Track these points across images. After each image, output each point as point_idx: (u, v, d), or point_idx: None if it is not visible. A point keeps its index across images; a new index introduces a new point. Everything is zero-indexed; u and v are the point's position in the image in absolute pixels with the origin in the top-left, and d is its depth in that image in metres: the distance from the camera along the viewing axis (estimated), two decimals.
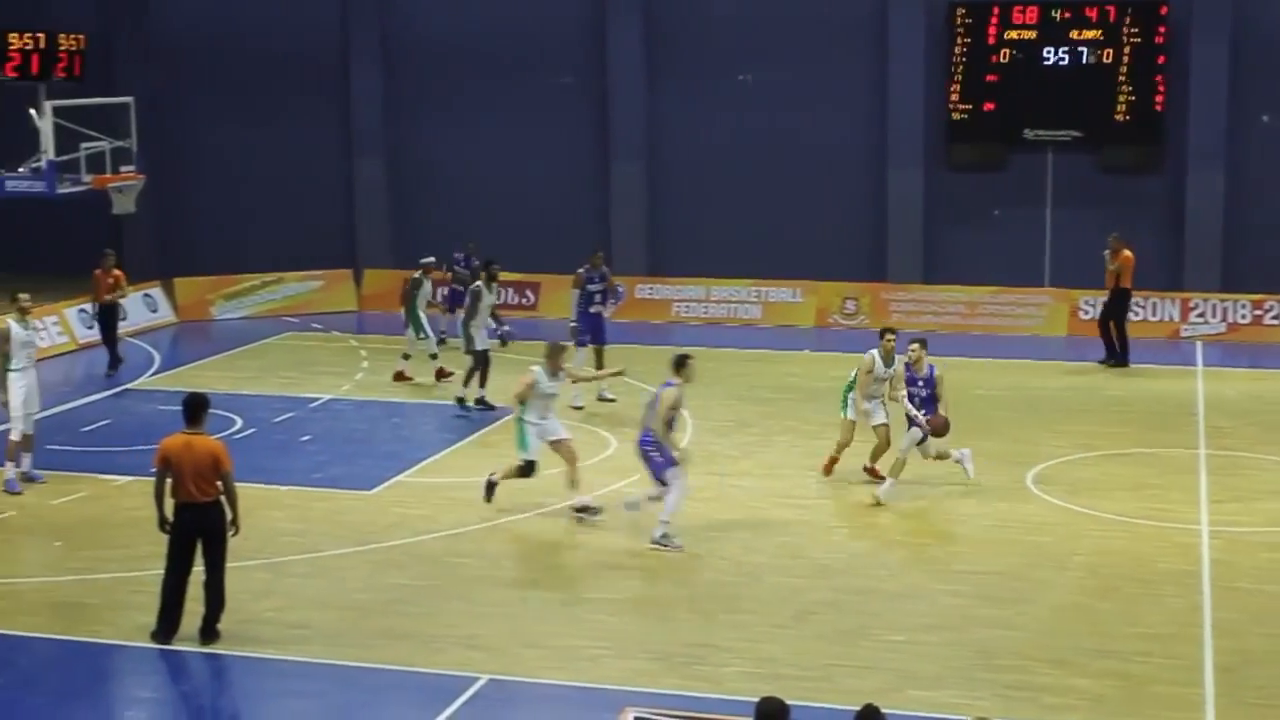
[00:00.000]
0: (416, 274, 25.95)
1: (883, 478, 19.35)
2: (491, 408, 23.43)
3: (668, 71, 33.20)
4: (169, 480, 14.34)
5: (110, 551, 17.15)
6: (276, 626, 15.00)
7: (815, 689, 13.29)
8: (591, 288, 24.36)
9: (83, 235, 30.79)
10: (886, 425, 19.68)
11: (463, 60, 34.22)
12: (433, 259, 26.58)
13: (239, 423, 22.68)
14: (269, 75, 35.21)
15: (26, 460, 19.90)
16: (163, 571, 14.57)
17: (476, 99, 34.20)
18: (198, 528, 14.37)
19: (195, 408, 14.59)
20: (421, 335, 25.48)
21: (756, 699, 9.45)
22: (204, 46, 35.59)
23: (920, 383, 19.21)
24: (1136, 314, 28.91)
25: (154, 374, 26.98)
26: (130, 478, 19.90)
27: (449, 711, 13.12)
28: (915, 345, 19.43)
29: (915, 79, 31.66)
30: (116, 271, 26.76)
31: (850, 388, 19.75)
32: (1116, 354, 27.10)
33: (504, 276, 26.84)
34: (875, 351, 19.52)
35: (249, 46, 35.32)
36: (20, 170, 24.37)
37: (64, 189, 24.39)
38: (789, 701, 9.37)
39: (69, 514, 18.72)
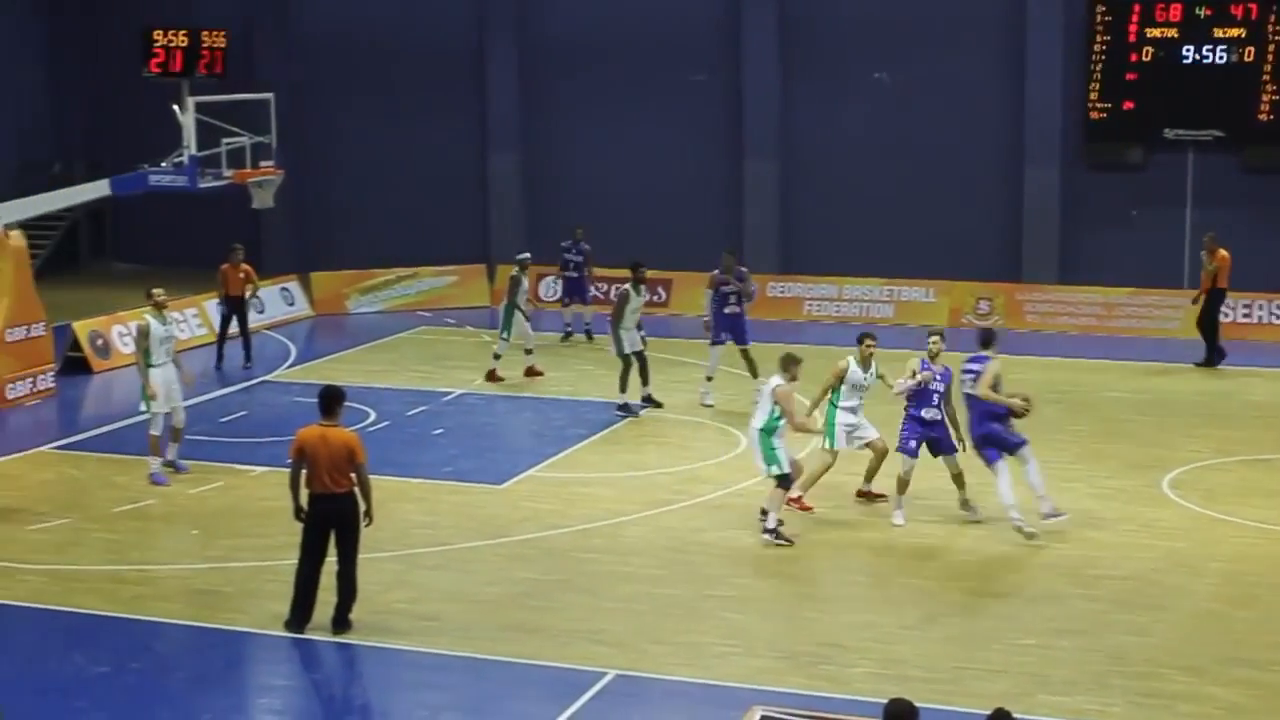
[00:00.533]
0: (515, 271, 25.89)
1: (879, 496, 18.55)
2: (659, 405, 23.41)
3: (802, 69, 33.09)
4: (304, 471, 14.54)
5: (246, 541, 17.42)
6: (407, 618, 15.16)
7: (944, 692, 13.19)
8: (725, 289, 23.95)
9: (222, 229, 31.20)
10: (880, 437, 18.53)
11: (597, 56, 34.35)
12: (528, 255, 26.65)
13: (372, 416, 22.93)
14: (406, 71, 35.58)
15: (173, 450, 20.25)
16: (296, 561, 14.79)
17: (610, 95, 34.33)
18: (331, 518, 14.54)
19: (331, 400, 14.77)
20: (504, 336, 25.49)
21: (884, 700, 9.40)
22: (342, 43, 36.06)
23: (937, 378, 18.01)
24: None
25: (290, 367, 27.34)
26: (266, 468, 20.19)
27: (576, 706, 13.18)
28: (935, 337, 18.30)
29: (1053, 77, 31.28)
30: (246, 266, 27.16)
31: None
32: (1214, 355, 26.66)
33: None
34: (851, 357, 18.39)
35: (387, 43, 35.71)
36: (163, 165, 24.79)
37: (205, 184, 24.81)
38: (917, 704, 9.31)
39: (206, 503, 19.03)
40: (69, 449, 21.89)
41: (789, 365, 17.53)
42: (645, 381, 23.49)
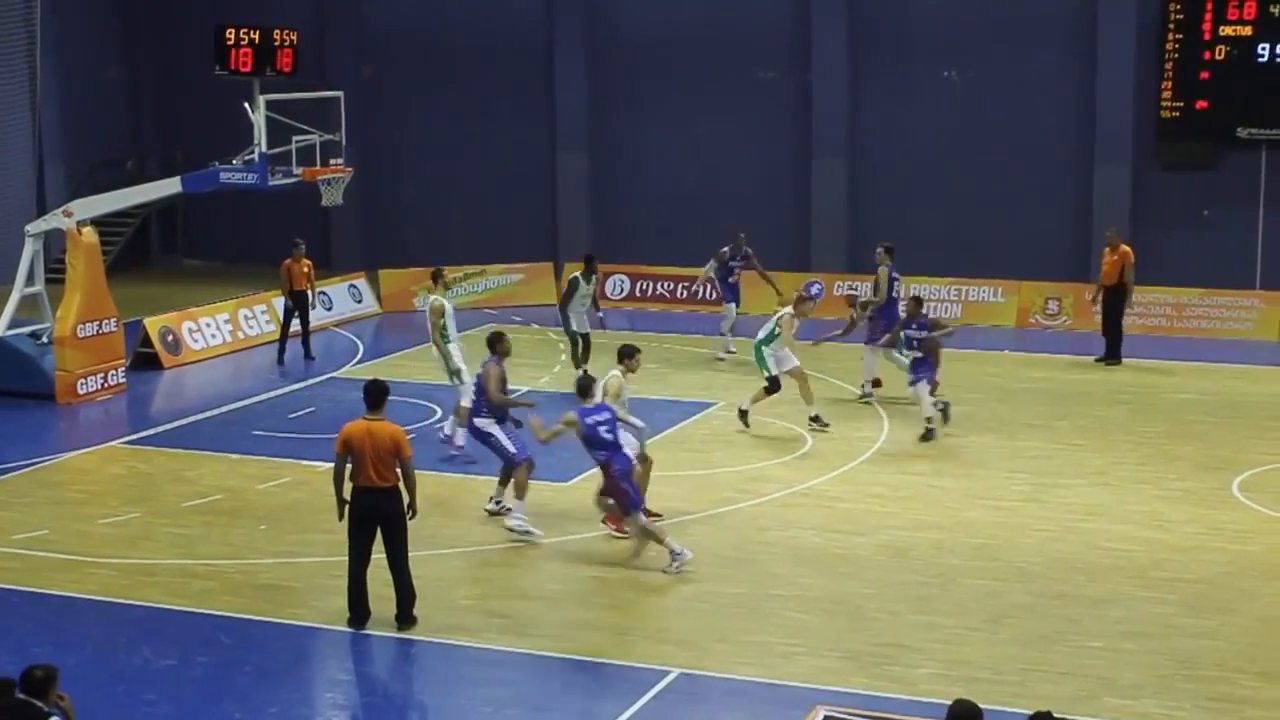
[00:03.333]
0: (576, 274, 25.75)
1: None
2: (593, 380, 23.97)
3: (871, 67, 32.99)
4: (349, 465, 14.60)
5: (313, 536, 17.52)
6: (473, 614, 15.22)
7: (1009, 694, 13.12)
8: (733, 264, 28.19)
9: (291, 227, 31.39)
10: (798, 366, 22.18)
11: (666, 54, 34.35)
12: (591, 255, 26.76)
13: (439, 412, 23.01)
14: (475, 70, 35.70)
15: (451, 424, 21.00)
16: (347, 559, 14.87)
17: (679, 93, 34.32)
18: (376, 512, 14.57)
19: (377, 394, 14.85)
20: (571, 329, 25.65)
21: (948, 701, 9.37)
22: (412, 41, 36.25)
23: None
24: None
25: (357, 363, 27.50)
26: (332, 464, 20.27)
27: (640, 704, 13.19)
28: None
29: (1125, 75, 31.03)
30: (307, 261, 27.34)
31: (766, 342, 22.09)
32: None
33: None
34: (789, 311, 22.16)
35: (456, 41, 35.86)
36: (235, 162, 24.96)
37: (275, 181, 24.92)
38: (982, 705, 9.27)
39: (274, 498, 19.17)
40: (139, 444, 22.11)
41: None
42: (584, 360, 25.00)
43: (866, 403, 23.95)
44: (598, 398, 17.04)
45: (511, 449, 17.80)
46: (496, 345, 18.50)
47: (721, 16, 33.96)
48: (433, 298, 21.88)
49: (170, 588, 16.01)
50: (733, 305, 28.07)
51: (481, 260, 33.42)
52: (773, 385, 22.09)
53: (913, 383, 21.99)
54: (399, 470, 14.55)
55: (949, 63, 32.64)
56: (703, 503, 18.76)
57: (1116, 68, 31.06)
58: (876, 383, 24.23)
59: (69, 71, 36.61)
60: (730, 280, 28.30)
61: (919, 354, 22.13)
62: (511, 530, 17.38)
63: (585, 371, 24.10)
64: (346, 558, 14.84)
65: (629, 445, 17.11)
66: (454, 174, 36.21)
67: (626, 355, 18.06)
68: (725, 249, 28.27)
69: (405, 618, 14.79)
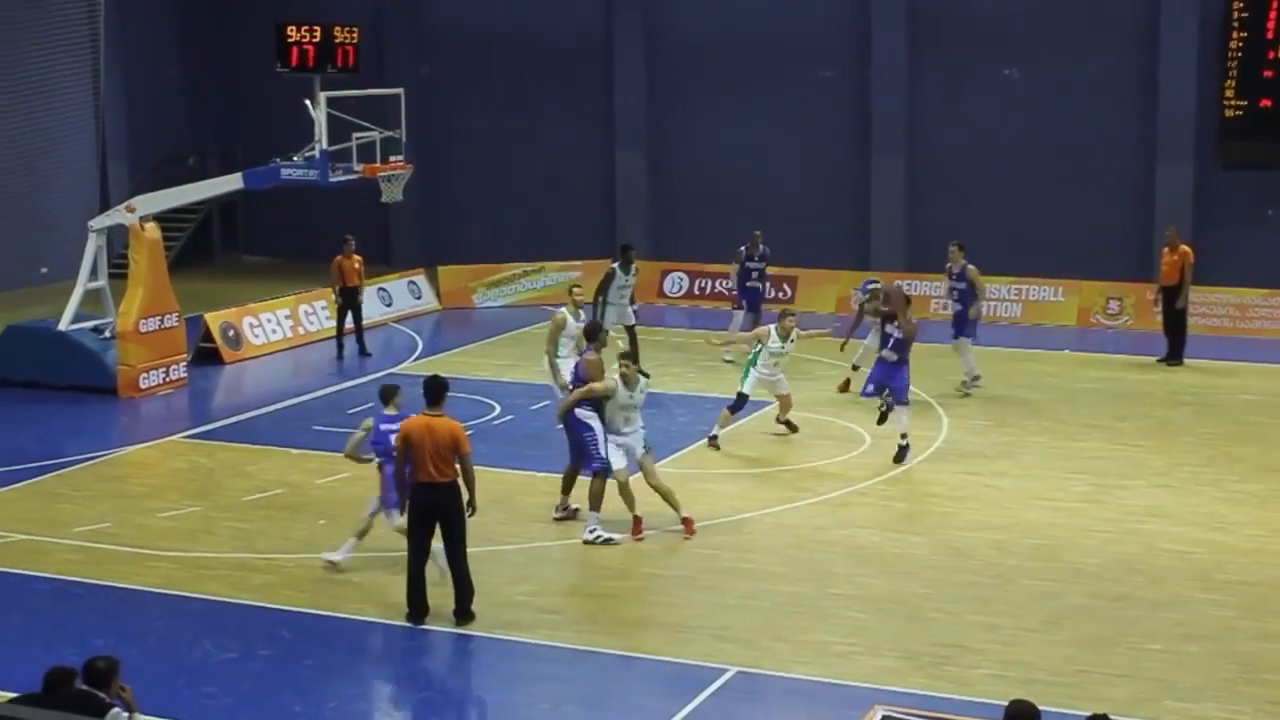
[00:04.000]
0: (614, 264, 26.03)
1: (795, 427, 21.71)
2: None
3: (931, 65, 32.87)
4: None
5: (371, 531, 17.55)
6: (530, 611, 15.25)
7: (1067, 696, 13.04)
8: (750, 265, 27.25)
9: (350, 223, 31.58)
10: (788, 394, 21.76)
11: (725, 52, 34.32)
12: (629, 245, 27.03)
13: (497, 409, 23.07)
14: (533, 67, 35.78)
15: None
16: (407, 555, 14.93)
17: (737, 91, 34.29)
18: (436, 508, 14.65)
19: (437, 390, 14.94)
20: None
21: (1006, 702, 9.33)
22: (472, 39, 36.34)
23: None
24: None
25: (416, 359, 27.60)
26: None
27: (697, 702, 13.19)
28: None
29: (1188, 74, 30.80)
30: (358, 257, 27.48)
31: (753, 361, 21.52)
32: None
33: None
34: (773, 328, 21.37)
35: (515, 39, 35.94)
36: (295, 159, 25.10)
37: (336, 178, 25.06)
38: (1040, 707, 9.22)
39: (333, 493, 19.27)
40: (200, 438, 22.27)
41: (784, 318, 21.52)
42: (633, 355, 24.30)
43: (967, 394, 24.11)
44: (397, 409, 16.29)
45: (602, 452, 17.51)
46: (595, 336, 18.60)
47: (780, 15, 33.91)
48: (561, 310, 21.34)
49: (231, 581, 16.12)
50: (739, 313, 27.26)
51: (539, 258, 33.49)
52: (737, 403, 21.44)
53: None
54: (458, 466, 14.60)
55: (1009, 60, 32.47)
56: (760, 501, 18.74)
57: (1179, 66, 30.83)
58: (975, 376, 24.49)
59: (132, 70, 36.93)
60: (749, 284, 27.41)
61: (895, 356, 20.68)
62: (591, 543, 17.25)
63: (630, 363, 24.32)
64: (404, 553, 14.90)
65: (624, 455, 17.32)
66: (512, 171, 36.31)
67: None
68: (742, 248, 27.60)
69: (463, 613, 14.84)
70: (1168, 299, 26.63)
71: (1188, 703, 13.12)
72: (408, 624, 14.88)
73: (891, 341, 20.72)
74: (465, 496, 14.75)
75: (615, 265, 25.85)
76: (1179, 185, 31.08)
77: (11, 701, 10.05)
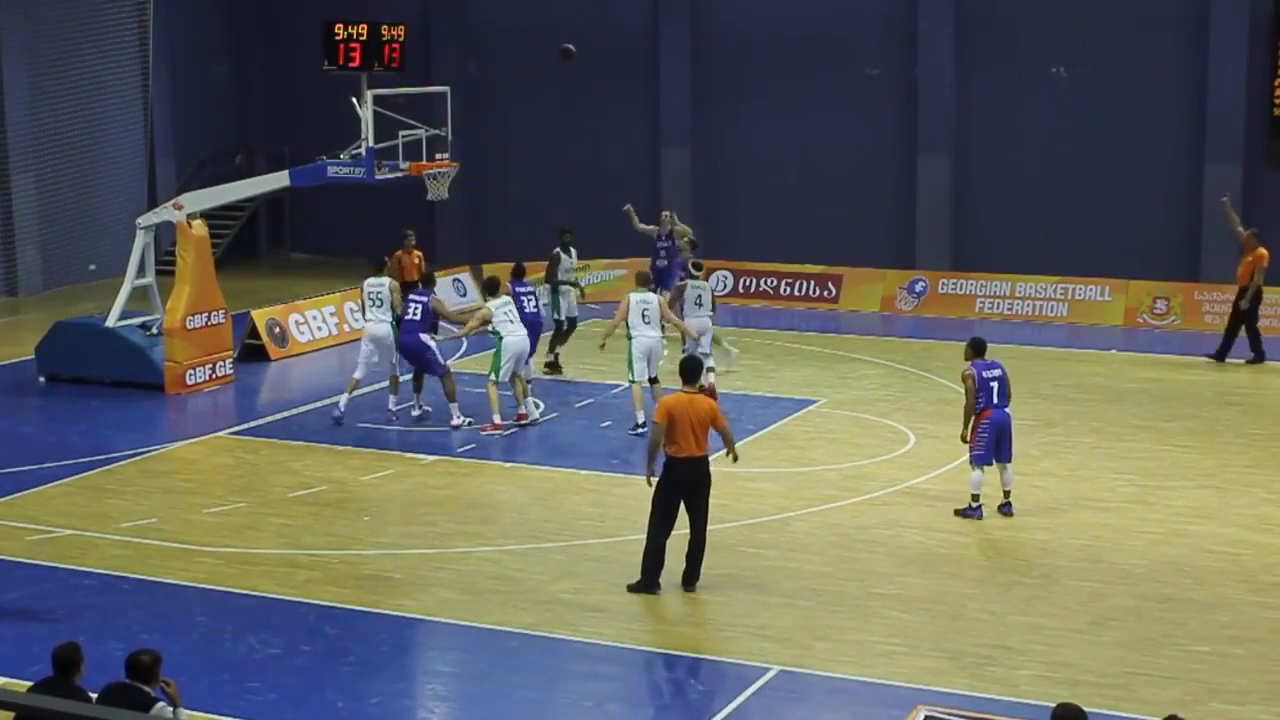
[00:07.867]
0: (556, 249, 26.56)
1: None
2: (559, 370, 25.53)
3: (978, 64, 32.73)
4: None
5: (416, 528, 17.65)
6: (573, 608, 15.26)
7: (1113, 697, 12.99)
8: (659, 244, 27.64)
9: (396, 221, 31.68)
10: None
11: (770, 50, 34.26)
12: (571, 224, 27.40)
13: (541, 407, 23.08)
14: (580, 64, 35.50)
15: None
16: (646, 526, 15.54)
17: (783, 89, 34.22)
18: (693, 481, 15.37)
19: (694, 369, 15.87)
20: (555, 315, 25.97)
21: (1051, 704, 9.29)
22: (517, 37, 36.38)
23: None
24: None
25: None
26: (436, 457, 20.49)
27: (739, 700, 13.19)
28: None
29: (1237, 72, 30.58)
30: (418, 252, 27.51)
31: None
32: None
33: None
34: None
35: (559, 36, 35.75)
36: (342, 157, 25.17)
37: (382, 175, 25.11)
38: (1086, 709, 9.18)
39: (378, 490, 19.32)
40: (246, 434, 22.36)
41: (645, 281, 22.53)
42: (562, 343, 25.77)
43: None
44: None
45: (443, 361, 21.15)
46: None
47: (827, 12, 33.83)
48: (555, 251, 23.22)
49: (276, 577, 16.18)
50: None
51: (584, 255, 33.43)
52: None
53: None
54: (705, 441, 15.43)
55: (1057, 59, 32.31)
56: (804, 500, 18.70)
57: (1228, 65, 30.61)
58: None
59: (180, 68, 37.13)
60: (658, 263, 27.41)
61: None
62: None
63: (557, 356, 25.53)
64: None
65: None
66: (557, 169, 36.34)
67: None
68: (651, 227, 27.91)
69: (693, 577, 15.52)
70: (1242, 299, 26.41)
71: (1234, 705, 13.03)
72: (452, 619, 14.90)
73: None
74: (727, 448, 15.83)
75: (557, 249, 26.26)
76: (1227, 185, 30.77)
77: (31, 689, 10.12)
